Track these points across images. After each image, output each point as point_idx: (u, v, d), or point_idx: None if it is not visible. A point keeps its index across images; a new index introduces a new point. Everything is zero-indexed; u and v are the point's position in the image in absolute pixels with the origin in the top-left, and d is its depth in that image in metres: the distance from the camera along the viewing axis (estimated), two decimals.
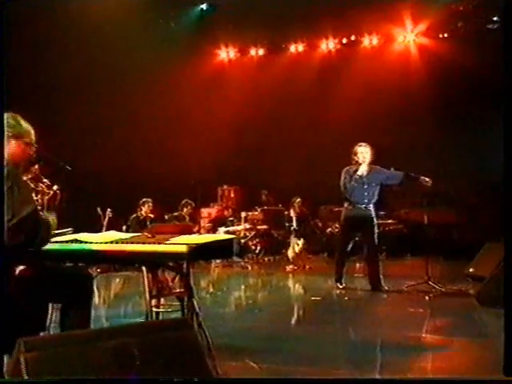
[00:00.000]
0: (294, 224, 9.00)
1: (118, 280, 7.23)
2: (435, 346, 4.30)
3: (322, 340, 4.41)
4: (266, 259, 9.56)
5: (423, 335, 4.53)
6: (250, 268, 9.07)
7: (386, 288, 6.41)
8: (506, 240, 2.28)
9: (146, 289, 3.28)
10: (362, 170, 6.48)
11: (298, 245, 8.78)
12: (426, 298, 5.99)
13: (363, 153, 6.52)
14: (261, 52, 12.69)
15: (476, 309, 5.39)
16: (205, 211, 10.90)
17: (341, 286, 6.58)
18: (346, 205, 6.64)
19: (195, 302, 3.50)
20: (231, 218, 10.27)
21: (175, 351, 2.15)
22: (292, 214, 9.06)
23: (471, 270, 6.92)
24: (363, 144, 6.60)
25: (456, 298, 6.00)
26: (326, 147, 11.58)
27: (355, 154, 6.54)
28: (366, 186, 6.50)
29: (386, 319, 5.23)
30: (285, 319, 5.29)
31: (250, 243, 9.83)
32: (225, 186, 11.96)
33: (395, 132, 10.99)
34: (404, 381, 3.36)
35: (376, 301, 6.13)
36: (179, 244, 3.23)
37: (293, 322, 5.34)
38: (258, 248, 9.75)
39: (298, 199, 10.00)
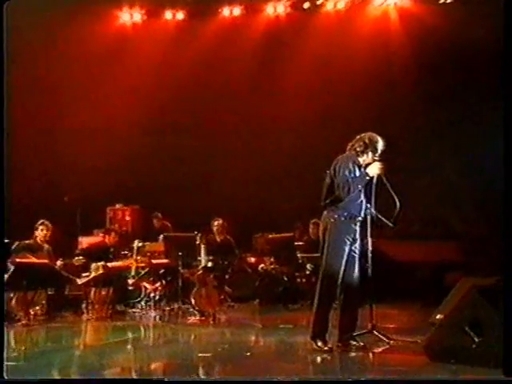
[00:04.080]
0: (202, 256, 8.87)
1: None
2: None
3: None
4: (167, 308, 9.21)
5: None
6: (141, 319, 8.90)
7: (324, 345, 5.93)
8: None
9: None
10: (376, 167, 5.95)
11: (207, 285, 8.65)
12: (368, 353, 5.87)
13: (372, 141, 6.11)
14: (180, 16, 12.57)
15: (423, 364, 5.24)
16: (84, 240, 10.53)
17: (325, 347, 5.80)
18: (331, 218, 5.94)
19: None
20: (125, 252, 9.89)
21: None
22: (198, 241, 8.87)
23: (438, 316, 6.71)
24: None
25: (405, 352, 5.94)
26: (268, 151, 11.66)
27: (362, 140, 6.11)
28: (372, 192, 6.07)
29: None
30: None
31: (148, 286, 9.46)
32: (117, 206, 11.83)
33: (367, 126, 10.91)
34: (404, 381, 4.44)
35: (291, 355, 6.09)
36: None
37: None
38: (158, 292, 9.39)
39: (218, 222, 9.91)
